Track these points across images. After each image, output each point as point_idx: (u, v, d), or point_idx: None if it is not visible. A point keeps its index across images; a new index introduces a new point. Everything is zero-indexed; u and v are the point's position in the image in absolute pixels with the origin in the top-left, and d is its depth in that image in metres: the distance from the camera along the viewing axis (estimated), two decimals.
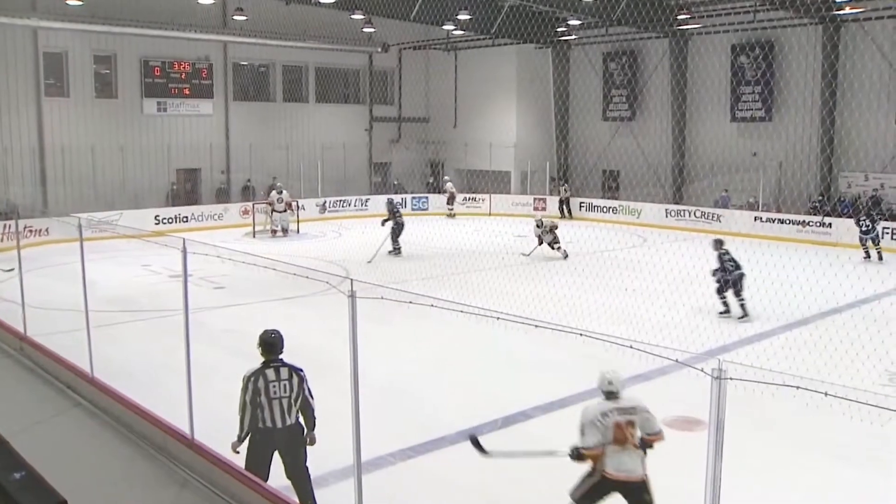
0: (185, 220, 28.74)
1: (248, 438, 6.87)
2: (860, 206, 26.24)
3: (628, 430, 6.30)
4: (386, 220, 23.63)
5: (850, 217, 25.62)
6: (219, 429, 7.44)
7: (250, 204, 29.68)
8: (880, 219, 23.25)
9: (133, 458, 6.71)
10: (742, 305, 15.98)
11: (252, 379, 6.82)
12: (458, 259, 21.41)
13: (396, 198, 34.05)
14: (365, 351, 5.79)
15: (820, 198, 27.56)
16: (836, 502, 8.07)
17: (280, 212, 27.90)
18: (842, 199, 27.11)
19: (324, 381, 10.28)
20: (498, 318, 5.36)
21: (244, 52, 32.74)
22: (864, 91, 26.52)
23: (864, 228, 22.43)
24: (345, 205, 33.29)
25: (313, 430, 7.14)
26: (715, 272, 16.29)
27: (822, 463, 8.93)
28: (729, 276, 16.01)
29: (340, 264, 20.73)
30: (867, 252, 22.44)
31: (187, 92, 31.45)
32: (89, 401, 7.78)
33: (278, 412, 6.81)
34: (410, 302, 5.81)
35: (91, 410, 7.60)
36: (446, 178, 35.03)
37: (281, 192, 28.61)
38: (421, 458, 8.91)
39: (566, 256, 22.70)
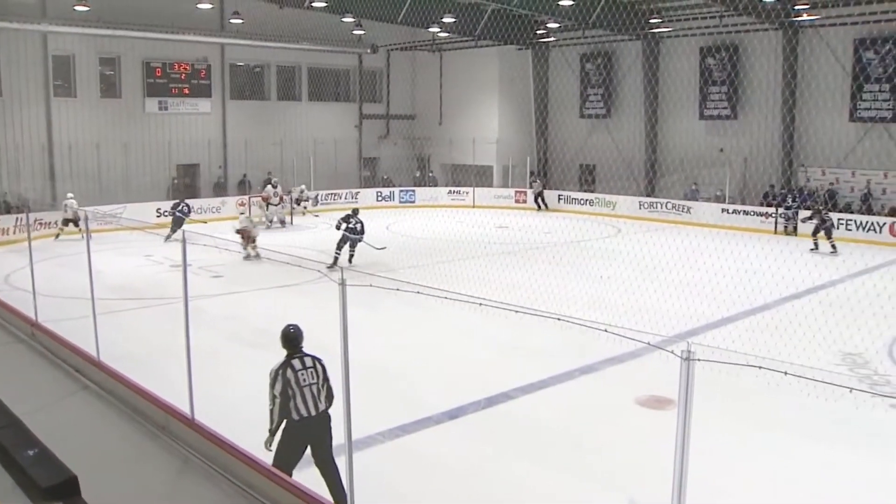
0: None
1: (281, 432, 6.77)
2: (788, 197, 26.44)
3: None
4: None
5: (808, 209, 25.87)
6: (218, 408, 7.46)
7: (247, 197, 29.62)
8: (813, 212, 23.27)
9: (137, 436, 6.69)
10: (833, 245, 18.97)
11: (280, 371, 6.77)
12: (443, 248, 21.42)
13: (385, 191, 34.12)
14: (356, 336, 5.80)
15: (770, 188, 27.75)
16: (799, 475, 8.15)
17: (275, 205, 27.98)
18: (802, 191, 27.23)
19: None
20: (480, 305, 5.38)
21: (240, 53, 32.57)
22: (820, 92, 26.67)
23: (787, 216, 23.42)
24: (336, 197, 33.22)
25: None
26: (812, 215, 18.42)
27: (785, 439, 9.01)
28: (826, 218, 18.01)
29: (330, 253, 20.66)
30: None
31: (187, 91, 31.28)
32: (96, 383, 7.76)
33: (311, 400, 6.74)
34: (398, 289, 5.82)
35: (98, 392, 7.57)
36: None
37: (276, 186, 28.58)
38: (409, 437, 8.94)
39: None
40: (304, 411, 6.72)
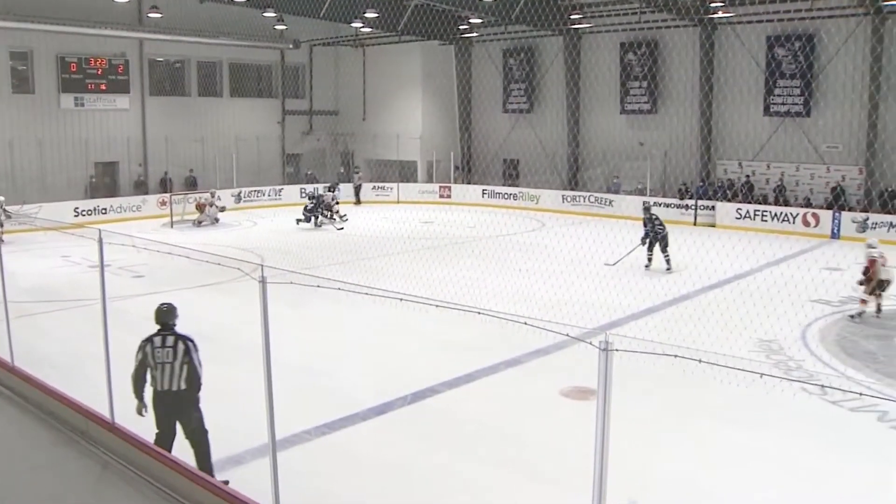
0: (103, 211, 27.93)
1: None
2: (736, 191, 27.21)
3: None
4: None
5: (729, 201, 26.61)
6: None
7: (167, 195, 29.02)
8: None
9: (55, 443, 6.52)
10: (668, 260, 17.75)
11: (142, 344, 7.16)
12: (367, 245, 21.35)
13: (308, 187, 33.80)
14: (281, 334, 5.75)
15: (682, 185, 28.45)
16: (718, 460, 8.36)
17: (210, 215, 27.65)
18: (720, 184, 27.96)
19: (240, 364, 10.17)
20: (401, 300, 5.38)
21: (160, 48, 31.84)
22: (736, 87, 27.54)
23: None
24: (259, 195, 32.81)
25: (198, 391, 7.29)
26: (646, 233, 18.01)
27: (704, 424, 9.26)
28: (659, 235, 17.75)
29: (256, 252, 20.44)
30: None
31: (104, 87, 30.38)
32: (10, 389, 7.53)
33: (163, 377, 7.06)
34: (319, 286, 5.79)
35: (12, 398, 7.35)
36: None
37: (218, 198, 28.23)
38: (335, 434, 8.89)
39: None
40: (160, 386, 7.09)
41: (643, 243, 18.36)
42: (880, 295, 14.21)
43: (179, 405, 7.13)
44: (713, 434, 9.03)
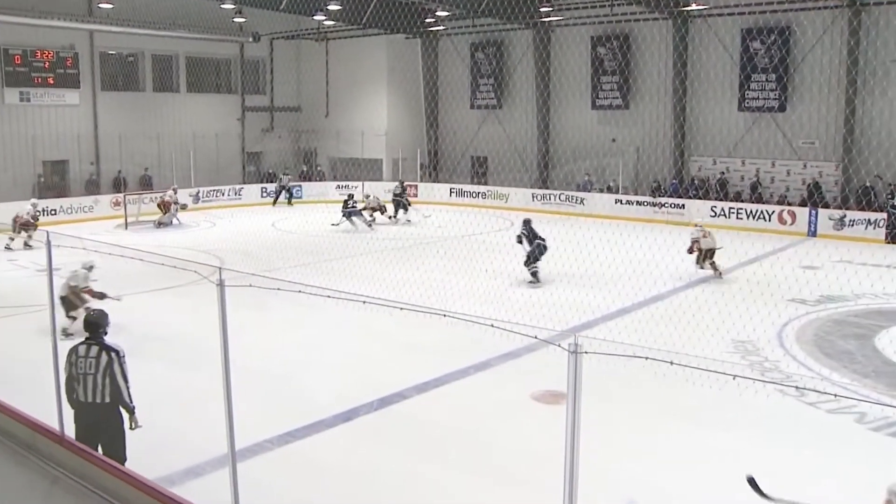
0: (53, 212, 27.52)
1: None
2: (708, 189, 27.51)
3: None
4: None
5: (700, 199, 26.87)
6: None
7: (121, 195, 28.67)
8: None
9: None
10: (535, 273, 17.36)
11: (68, 353, 7.05)
12: (330, 246, 21.26)
13: (270, 186, 33.61)
14: (241, 339, 5.72)
15: (655, 183, 28.70)
16: (694, 462, 8.43)
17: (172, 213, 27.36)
18: (694, 181, 28.25)
19: (198, 370, 10.10)
20: (364, 303, 5.37)
21: (111, 40, 31.43)
22: (710, 81, 27.84)
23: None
24: (218, 194, 32.57)
25: (132, 414, 7.11)
26: (528, 251, 17.54)
27: (676, 426, 9.33)
28: (538, 249, 17.38)
29: (214, 254, 20.29)
30: None
31: (52, 81, 29.92)
32: None
33: (83, 388, 6.94)
34: (279, 289, 5.76)
35: None
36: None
37: (177, 197, 27.87)
38: (299, 442, 8.85)
39: None
40: (81, 396, 6.97)
41: (530, 260, 17.52)
42: (713, 262, 17.73)
43: (99, 420, 6.99)
44: (686, 436, 9.11)
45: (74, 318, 12.15)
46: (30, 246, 21.45)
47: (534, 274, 17.33)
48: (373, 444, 8.92)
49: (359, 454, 8.63)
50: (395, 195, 28.49)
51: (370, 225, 26.14)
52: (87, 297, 13.08)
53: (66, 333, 11.39)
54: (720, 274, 17.83)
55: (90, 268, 13.45)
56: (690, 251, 18.07)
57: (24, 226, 21.87)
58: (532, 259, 17.37)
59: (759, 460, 8.45)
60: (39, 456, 6.39)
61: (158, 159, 32.12)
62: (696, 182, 28.11)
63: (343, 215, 25.67)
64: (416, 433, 9.24)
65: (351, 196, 26.99)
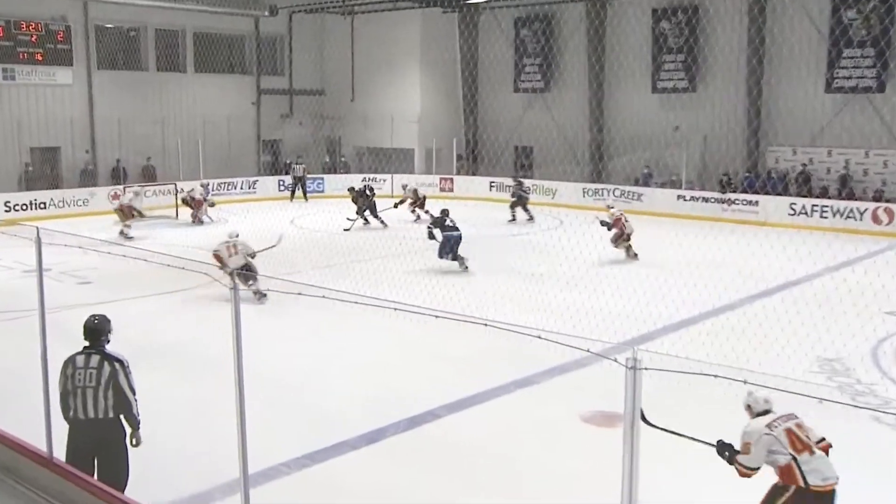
0: (42, 206, 27.90)
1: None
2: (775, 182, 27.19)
3: (804, 433, 6.46)
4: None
5: (781, 195, 26.49)
6: None
7: (120, 187, 28.90)
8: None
9: None
10: (460, 260, 18.82)
11: (64, 364, 7.06)
12: (357, 246, 21.33)
13: (288, 179, 33.77)
14: (254, 348, 5.75)
15: (725, 176, 28.37)
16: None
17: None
18: (771, 174, 27.88)
19: (208, 385, 10.17)
20: (396, 310, 5.38)
21: (109, 12, 31.66)
22: (792, 59, 27.21)
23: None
24: (230, 187, 32.81)
25: (137, 429, 7.14)
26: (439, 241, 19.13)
27: None
28: (451, 239, 18.84)
29: None
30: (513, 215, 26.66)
31: (40, 58, 30.02)
32: None
33: (82, 402, 6.93)
34: (300, 293, 5.79)
35: None
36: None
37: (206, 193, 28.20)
38: (319, 466, 8.87)
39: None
40: (79, 412, 6.94)
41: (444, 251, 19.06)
42: (629, 246, 19.96)
43: (100, 437, 7.01)
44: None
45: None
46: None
47: (460, 262, 18.79)
48: (401, 469, 8.92)
49: (385, 480, 8.64)
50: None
51: (384, 223, 26.18)
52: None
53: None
54: (636, 255, 20.04)
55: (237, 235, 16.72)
56: (609, 228, 20.12)
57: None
58: (446, 250, 18.83)
59: (848, 498, 8.32)
60: (23, 480, 6.46)
61: (162, 147, 32.40)
62: (772, 175, 27.76)
63: (358, 213, 25.72)
64: (449, 457, 9.22)
65: (370, 189, 27.08)
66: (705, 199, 27.87)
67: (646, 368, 4.09)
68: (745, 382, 4.16)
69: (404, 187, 28.63)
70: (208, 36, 35.12)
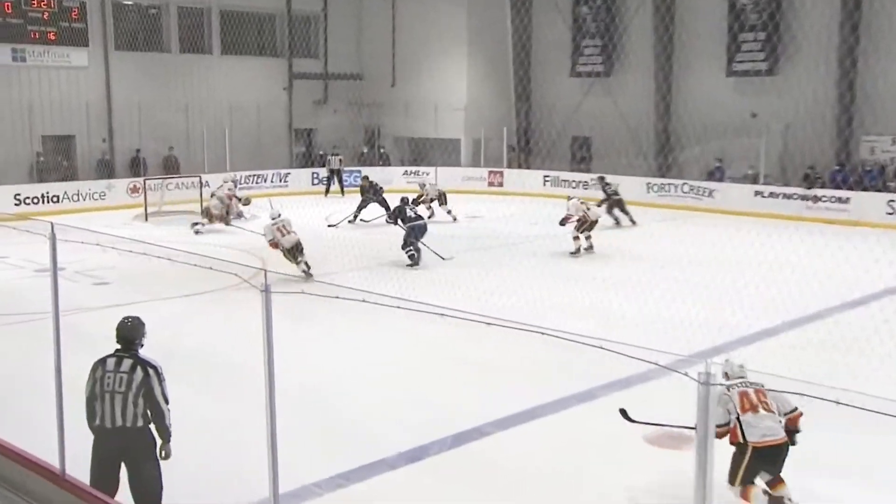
0: (55, 199, 28.28)
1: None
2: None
3: (757, 396, 7.35)
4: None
5: (879, 191, 26.02)
6: None
7: (141, 180, 29.13)
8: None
9: None
10: (412, 255, 19.78)
11: (93, 367, 7.14)
12: (396, 246, 21.38)
13: (323, 171, 33.91)
14: (284, 356, 5.76)
15: (810, 169, 27.93)
16: None
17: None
18: (865, 167, 27.38)
19: (235, 396, 10.23)
20: (442, 315, 5.37)
21: None
22: (893, 34, 26.67)
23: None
24: (260, 180, 33.03)
25: (167, 441, 7.23)
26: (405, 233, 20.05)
27: (845, 491, 8.90)
28: (415, 229, 19.84)
29: (255, 253, 20.57)
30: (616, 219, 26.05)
31: (52, 37, 30.28)
32: None
33: (109, 409, 6.98)
34: (337, 297, 5.80)
35: None
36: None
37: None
38: (355, 486, 8.87)
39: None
40: (107, 420, 7.00)
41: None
42: (589, 236, 21.38)
43: (128, 447, 7.08)
44: (854, 501, 8.81)
45: None
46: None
47: (411, 257, 19.76)
48: (444, 490, 8.92)
49: (429, 502, 8.65)
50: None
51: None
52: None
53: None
54: (592, 247, 21.35)
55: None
56: (563, 223, 21.37)
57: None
58: (411, 241, 19.89)
59: None
60: (32, 499, 6.53)
61: (186, 136, 32.74)
62: (866, 169, 27.34)
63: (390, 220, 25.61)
64: (497, 478, 9.20)
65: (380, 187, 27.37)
66: (787, 196, 27.53)
67: (720, 384, 4.05)
68: (836, 403, 4.08)
69: (422, 186, 28.53)
70: (236, 14, 35.38)
